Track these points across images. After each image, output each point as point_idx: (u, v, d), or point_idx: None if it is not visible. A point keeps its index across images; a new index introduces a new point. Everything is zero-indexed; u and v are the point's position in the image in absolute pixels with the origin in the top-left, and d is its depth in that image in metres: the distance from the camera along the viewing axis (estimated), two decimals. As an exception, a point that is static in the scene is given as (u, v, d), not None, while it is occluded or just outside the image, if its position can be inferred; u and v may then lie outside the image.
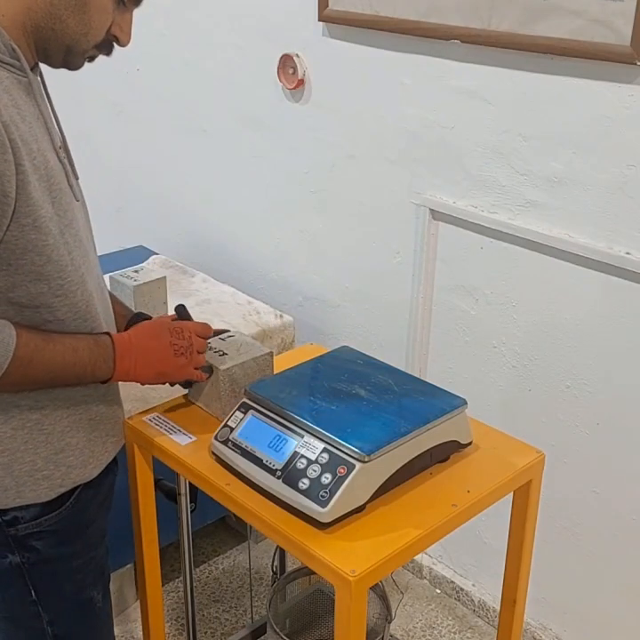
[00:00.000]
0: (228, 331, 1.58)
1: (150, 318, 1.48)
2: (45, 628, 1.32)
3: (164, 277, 2.14)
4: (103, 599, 1.40)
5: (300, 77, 2.19)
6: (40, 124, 1.19)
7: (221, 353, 1.51)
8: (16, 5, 1.13)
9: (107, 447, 1.34)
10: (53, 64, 1.23)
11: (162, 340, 1.32)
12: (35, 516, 1.24)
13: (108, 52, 1.29)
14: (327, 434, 1.30)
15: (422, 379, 1.74)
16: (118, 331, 1.43)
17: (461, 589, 2.32)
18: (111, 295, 1.43)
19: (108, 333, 1.27)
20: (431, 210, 2.02)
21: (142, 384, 1.33)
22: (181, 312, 1.47)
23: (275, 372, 1.55)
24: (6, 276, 1.13)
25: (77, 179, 1.28)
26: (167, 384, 1.41)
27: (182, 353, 1.34)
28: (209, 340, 1.56)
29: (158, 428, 1.49)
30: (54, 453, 1.25)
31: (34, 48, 1.18)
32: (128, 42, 1.29)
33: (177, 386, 1.48)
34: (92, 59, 1.27)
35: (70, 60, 1.22)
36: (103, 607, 1.41)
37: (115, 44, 1.29)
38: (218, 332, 1.54)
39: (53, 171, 1.16)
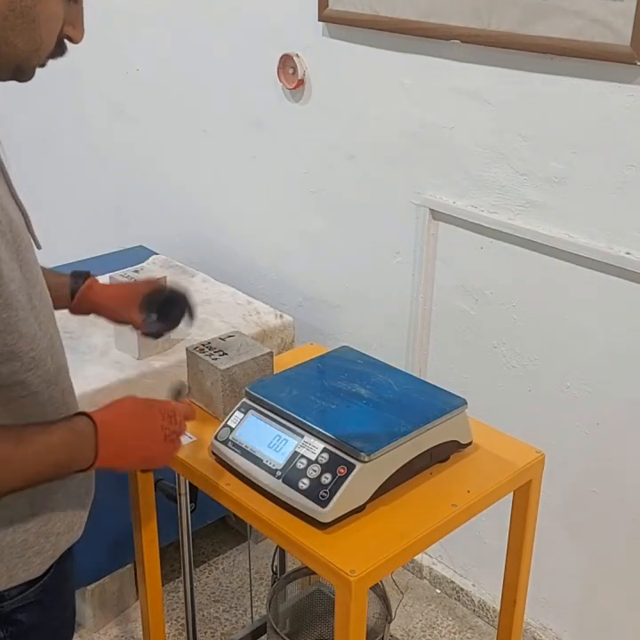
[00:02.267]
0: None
1: (89, 273, 1.41)
2: None
3: (165, 277, 2.14)
4: None
5: (300, 77, 2.19)
6: None
7: (222, 353, 1.51)
8: None
9: (83, 501, 1.23)
10: (1, 81, 1.08)
11: (153, 423, 1.17)
12: (21, 590, 1.15)
13: (62, 53, 1.13)
14: (327, 434, 1.30)
15: (422, 379, 1.74)
16: (63, 301, 1.36)
17: (461, 589, 2.32)
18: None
19: (86, 415, 1.11)
20: (431, 210, 2.02)
21: (120, 471, 1.18)
22: (180, 391, 1.37)
23: (275, 372, 1.55)
24: None
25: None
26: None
27: (173, 439, 1.19)
28: (209, 340, 1.56)
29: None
30: (43, 525, 1.14)
31: None
32: (82, 37, 1.12)
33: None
34: (43, 65, 1.12)
35: (20, 75, 1.07)
36: None
37: (68, 43, 1.12)
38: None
39: (16, 225, 1.04)
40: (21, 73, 1.06)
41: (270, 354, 1.56)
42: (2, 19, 0.98)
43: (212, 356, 1.50)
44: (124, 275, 2.09)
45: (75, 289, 1.39)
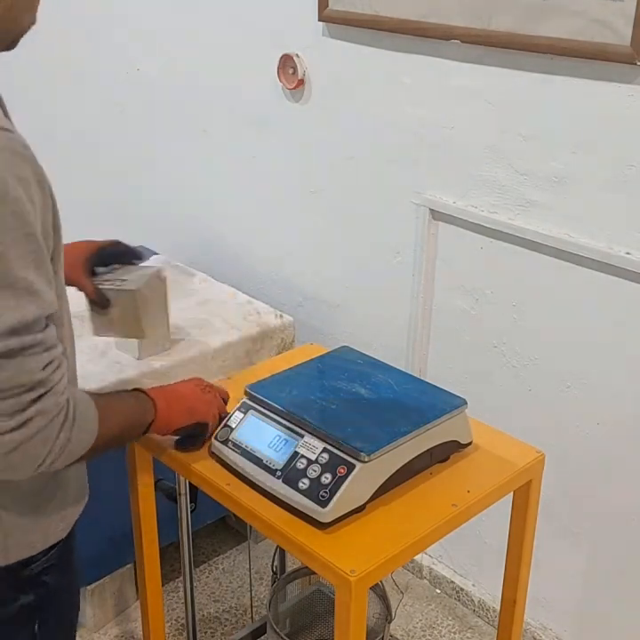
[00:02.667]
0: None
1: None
2: None
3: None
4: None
5: (300, 77, 2.18)
6: None
7: (121, 280, 1.53)
8: None
9: (85, 469, 1.33)
10: None
11: (188, 384, 1.40)
12: (45, 552, 1.23)
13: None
14: (327, 434, 1.30)
15: (422, 379, 1.74)
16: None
17: (461, 589, 2.32)
18: None
19: (138, 389, 1.30)
20: (431, 210, 2.02)
21: (173, 432, 1.35)
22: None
23: (275, 372, 1.55)
24: None
25: None
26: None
27: (209, 391, 1.40)
28: (105, 275, 1.55)
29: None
30: (71, 490, 1.25)
31: None
32: None
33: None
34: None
35: (13, 46, 1.11)
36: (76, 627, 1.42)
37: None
38: None
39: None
40: (14, 45, 1.10)
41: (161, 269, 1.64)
42: (11, 4, 1.03)
43: (116, 284, 1.52)
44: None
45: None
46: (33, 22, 1.09)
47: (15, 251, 0.95)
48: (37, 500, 1.20)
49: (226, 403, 1.45)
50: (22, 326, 0.98)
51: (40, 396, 1.01)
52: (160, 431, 1.31)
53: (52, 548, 1.24)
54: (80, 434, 1.08)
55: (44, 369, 1.01)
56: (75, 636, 1.40)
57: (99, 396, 1.17)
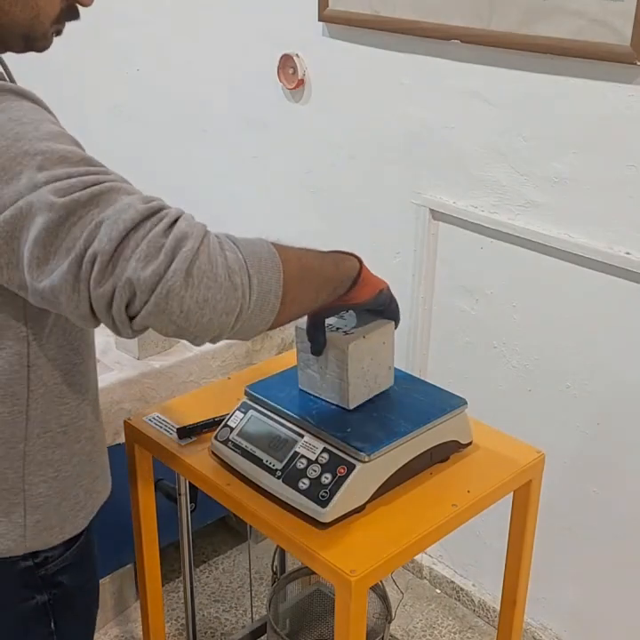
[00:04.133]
0: None
1: None
2: None
3: None
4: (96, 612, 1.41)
5: (300, 77, 2.19)
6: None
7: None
8: None
9: (107, 461, 1.30)
10: (19, 52, 1.11)
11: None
12: (62, 551, 1.21)
13: (75, 16, 1.11)
14: (327, 434, 1.29)
15: (422, 379, 1.74)
16: None
17: (461, 589, 2.32)
18: None
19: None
20: (431, 210, 2.02)
21: (361, 301, 1.21)
22: None
23: (275, 372, 1.55)
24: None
25: None
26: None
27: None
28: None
29: (158, 428, 1.49)
30: (91, 482, 1.22)
31: None
32: (91, 0, 1.09)
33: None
34: (59, 33, 1.12)
35: (33, 45, 1.09)
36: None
37: (79, 6, 1.10)
38: None
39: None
40: (33, 41, 1.07)
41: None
42: None
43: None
44: None
45: None
46: (36, 16, 1.04)
47: (68, 142, 0.94)
48: (64, 484, 1.17)
49: None
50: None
51: (176, 219, 0.90)
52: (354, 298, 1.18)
53: (69, 547, 1.22)
54: (259, 265, 0.94)
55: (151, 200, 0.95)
56: (93, 632, 1.39)
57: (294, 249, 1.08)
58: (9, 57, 1.13)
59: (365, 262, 1.21)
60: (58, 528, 1.19)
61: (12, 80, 1.10)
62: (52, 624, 1.25)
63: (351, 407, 1.35)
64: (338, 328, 1.36)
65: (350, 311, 1.41)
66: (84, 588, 1.31)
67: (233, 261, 0.90)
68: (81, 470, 1.19)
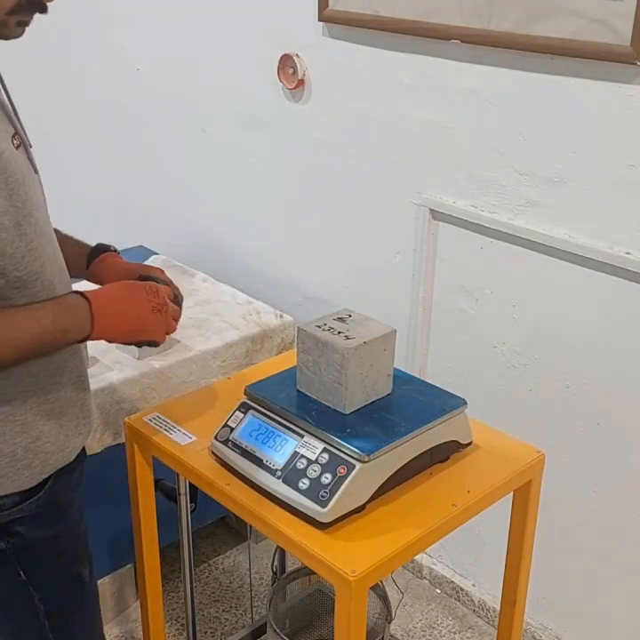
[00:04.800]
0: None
1: (110, 248, 1.46)
2: (37, 606, 1.33)
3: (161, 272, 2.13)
4: (90, 575, 1.42)
5: (300, 77, 2.19)
6: None
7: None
8: None
9: (80, 430, 1.33)
10: None
11: (139, 296, 1.28)
12: (15, 502, 1.25)
13: (40, 9, 1.12)
14: (327, 434, 1.30)
15: (422, 379, 1.74)
16: (79, 269, 1.43)
17: (461, 589, 2.32)
18: (62, 237, 1.38)
19: (78, 292, 1.22)
20: (431, 210, 2.02)
21: (115, 341, 1.30)
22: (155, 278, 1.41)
23: (275, 372, 1.55)
24: None
25: (31, 146, 1.23)
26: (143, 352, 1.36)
27: (159, 310, 1.30)
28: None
29: (158, 427, 1.49)
30: (31, 442, 1.24)
31: None
32: None
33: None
34: (22, 24, 1.12)
35: None
36: (90, 582, 1.42)
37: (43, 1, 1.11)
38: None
39: (10, 161, 1.11)
40: None
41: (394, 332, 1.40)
42: None
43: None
44: None
45: (90, 260, 1.45)
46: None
47: None
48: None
49: (177, 321, 1.36)
50: None
51: None
52: (98, 339, 1.26)
53: (24, 500, 1.25)
54: None
55: None
56: (84, 588, 1.40)
57: (7, 309, 1.14)
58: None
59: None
60: (9, 483, 1.22)
61: (4, 87, 1.13)
62: (22, 573, 1.29)
63: (347, 412, 1.35)
64: (339, 332, 1.36)
65: (352, 315, 1.41)
66: (55, 544, 1.33)
67: None
68: (4, 428, 1.21)
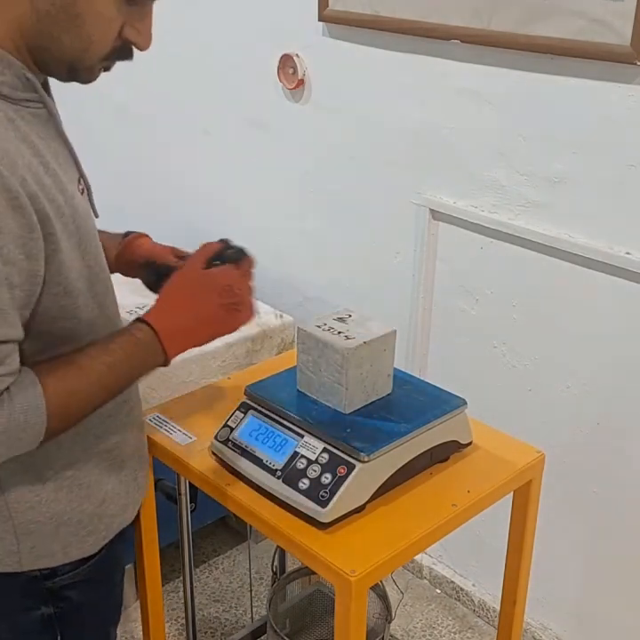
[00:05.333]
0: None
1: (140, 234, 1.42)
2: None
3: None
4: (115, 632, 1.39)
5: (300, 77, 2.18)
6: (64, 156, 1.10)
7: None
8: (6, 25, 1.00)
9: (139, 483, 1.29)
10: (60, 79, 1.12)
11: (210, 306, 1.17)
12: (73, 568, 1.21)
13: (128, 56, 1.14)
14: (327, 434, 1.29)
15: (422, 379, 1.74)
16: (110, 261, 1.33)
17: (461, 589, 2.31)
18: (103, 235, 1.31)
19: (142, 321, 1.12)
20: (431, 210, 2.02)
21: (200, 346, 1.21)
22: (236, 257, 1.28)
23: (275, 372, 1.55)
24: (36, 343, 1.05)
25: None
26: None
27: (234, 308, 1.19)
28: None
29: (158, 427, 1.49)
30: (97, 506, 1.20)
31: (36, 66, 1.06)
32: (147, 45, 1.13)
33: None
34: (107, 68, 1.13)
35: (77, 75, 1.09)
36: (114, 638, 1.39)
37: (135, 49, 1.14)
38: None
39: (79, 215, 1.07)
40: (75, 73, 1.08)
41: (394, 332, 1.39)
42: (45, 14, 1.00)
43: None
44: None
45: (120, 257, 1.42)
46: (85, 49, 1.03)
47: None
48: (57, 508, 1.16)
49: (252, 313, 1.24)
50: None
51: None
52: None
53: (81, 565, 1.21)
54: (13, 447, 1.01)
55: None
56: None
57: (69, 366, 1.06)
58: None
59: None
60: (61, 553, 1.18)
61: (51, 98, 1.11)
62: (59, 638, 1.24)
63: (347, 412, 1.35)
64: (339, 332, 1.36)
65: (352, 315, 1.41)
66: (98, 606, 1.29)
67: None
68: (70, 495, 1.17)
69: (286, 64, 2.21)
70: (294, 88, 2.21)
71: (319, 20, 2.08)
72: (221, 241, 1.29)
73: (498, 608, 1.65)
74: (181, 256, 1.40)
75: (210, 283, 1.18)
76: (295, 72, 2.19)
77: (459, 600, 2.33)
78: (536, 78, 1.74)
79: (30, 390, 1.00)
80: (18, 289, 0.98)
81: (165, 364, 1.15)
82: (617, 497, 1.89)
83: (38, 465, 1.12)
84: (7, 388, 0.98)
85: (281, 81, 2.24)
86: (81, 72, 1.07)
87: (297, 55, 2.18)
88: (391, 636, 2.17)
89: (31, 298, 1.01)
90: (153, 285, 1.35)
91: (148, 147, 2.80)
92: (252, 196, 2.50)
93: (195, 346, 1.19)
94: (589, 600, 2.03)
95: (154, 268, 1.38)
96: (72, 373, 1.06)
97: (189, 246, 2.52)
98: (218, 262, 1.23)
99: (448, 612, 2.32)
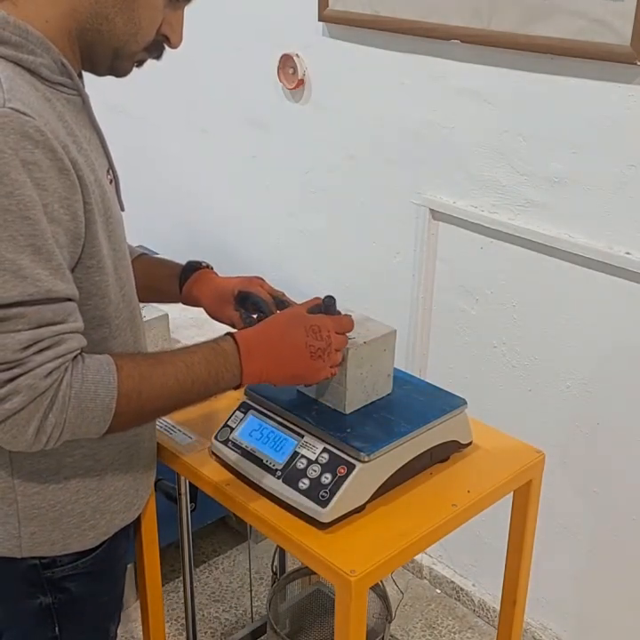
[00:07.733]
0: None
1: (201, 264, 1.43)
2: None
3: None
4: (115, 630, 1.39)
5: (300, 77, 2.19)
6: (95, 145, 1.12)
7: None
8: (61, 7, 1.03)
9: (148, 483, 1.30)
10: (99, 71, 1.14)
11: (296, 340, 1.17)
12: (72, 560, 1.21)
13: (159, 54, 1.18)
14: (327, 434, 1.29)
15: (422, 379, 1.74)
16: (172, 295, 1.40)
17: (461, 589, 2.32)
18: (149, 261, 1.37)
19: (230, 334, 1.14)
20: (431, 210, 2.02)
21: (275, 385, 1.21)
22: (329, 306, 1.29)
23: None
24: None
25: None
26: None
27: (319, 355, 1.17)
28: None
29: (158, 427, 1.49)
30: (102, 501, 1.21)
31: (79, 56, 1.09)
32: (179, 42, 1.18)
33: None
34: (140, 63, 1.16)
35: (118, 64, 1.12)
36: (114, 637, 1.39)
37: (165, 46, 1.18)
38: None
39: (108, 199, 1.08)
40: (120, 61, 1.11)
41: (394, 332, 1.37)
42: None
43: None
44: None
45: (182, 281, 1.43)
46: (134, 34, 1.08)
47: (5, 231, 0.93)
48: (62, 496, 1.17)
49: (343, 358, 1.24)
50: None
51: (14, 378, 0.94)
52: (254, 382, 1.18)
53: (80, 557, 1.22)
54: (82, 416, 1.00)
55: (23, 349, 0.95)
56: None
57: (150, 356, 1.09)
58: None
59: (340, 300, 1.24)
60: (60, 543, 1.19)
61: (82, 91, 1.12)
62: (57, 629, 1.24)
63: (347, 412, 1.35)
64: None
65: (352, 315, 1.41)
66: (98, 600, 1.29)
67: (50, 426, 0.98)
68: (80, 485, 1.18)
69: (286, 64, 2.21)
70: (294, 88, 2.22)
71: (319, 19, 2.08)
72: (328, 297, 1.33)
73: (498, 608, 1.65)
74: (271, 292, 1.45)
75: (301, 320, 1.21)
76: (295, 72, 2.19)
77: (459, 600, 2.33)
78: (536, 78, 1.74)
79: (105, 366, 1.01)
80: (65, 249, 1.00)
81: (239, 383, 1.14)
82: (617, 497, 1.89)
83: (60, 451, 1.12)
84: (80, 354, 1.00)
85: (281, 81, 2.24)
86: (123, 60, 1.12)
87: (297, 55, 2.18)
88: (391, 636, 2.17)
89: (72, 263, 1.02)
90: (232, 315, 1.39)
91: (148, 147, 2.80)
92: (251, 196, 2.50)
93: (271, 380, 1.18)
94: (589, 600, 2.03)
95: (247, 299, 1.41)
96: (149, 362, 1.07)
97: (190, 247, 2.52)
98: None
99: (448, 612, 2.32)
